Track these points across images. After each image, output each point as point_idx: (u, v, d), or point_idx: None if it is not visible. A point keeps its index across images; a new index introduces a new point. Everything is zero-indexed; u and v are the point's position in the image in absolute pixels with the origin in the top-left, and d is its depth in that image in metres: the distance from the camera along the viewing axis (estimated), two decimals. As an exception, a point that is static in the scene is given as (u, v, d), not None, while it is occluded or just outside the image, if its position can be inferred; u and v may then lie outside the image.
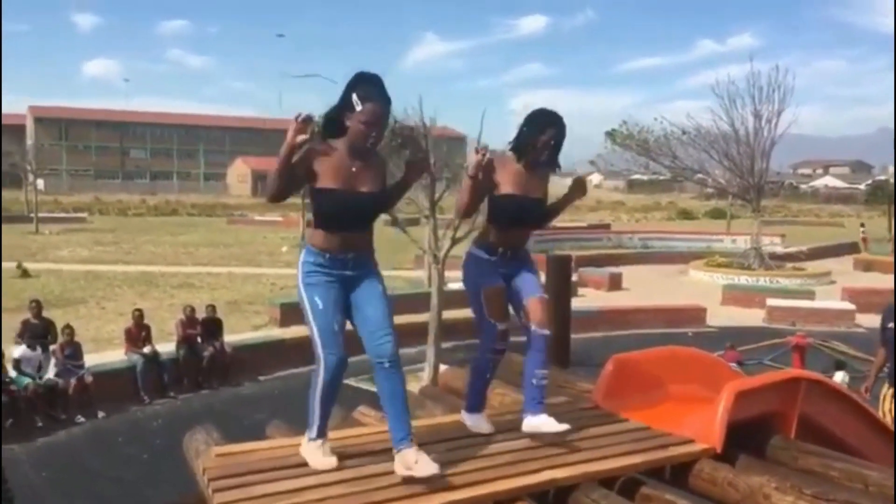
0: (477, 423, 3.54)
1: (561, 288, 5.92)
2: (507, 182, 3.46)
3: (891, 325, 5.44)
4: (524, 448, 3.25)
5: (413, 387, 6.73)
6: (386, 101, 3.05)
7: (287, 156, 2.89)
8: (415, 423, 3.74)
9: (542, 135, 3.44)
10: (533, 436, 3.38)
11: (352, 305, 3.16)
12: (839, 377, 9.09)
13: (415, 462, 2.87)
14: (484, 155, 3.30)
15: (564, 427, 3.32)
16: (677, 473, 3.30)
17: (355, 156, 3.03)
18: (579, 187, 3.68)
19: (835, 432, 3.75)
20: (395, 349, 3.12)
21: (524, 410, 3.47)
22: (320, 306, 3.05)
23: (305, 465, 3.05)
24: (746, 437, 3.49)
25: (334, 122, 3.05)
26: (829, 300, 18.14)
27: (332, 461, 3.06)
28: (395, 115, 11.74)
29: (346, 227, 3.06)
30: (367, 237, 3.18)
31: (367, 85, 3.02)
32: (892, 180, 45.81)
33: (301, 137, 2.85)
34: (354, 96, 2.98)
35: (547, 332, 3.49)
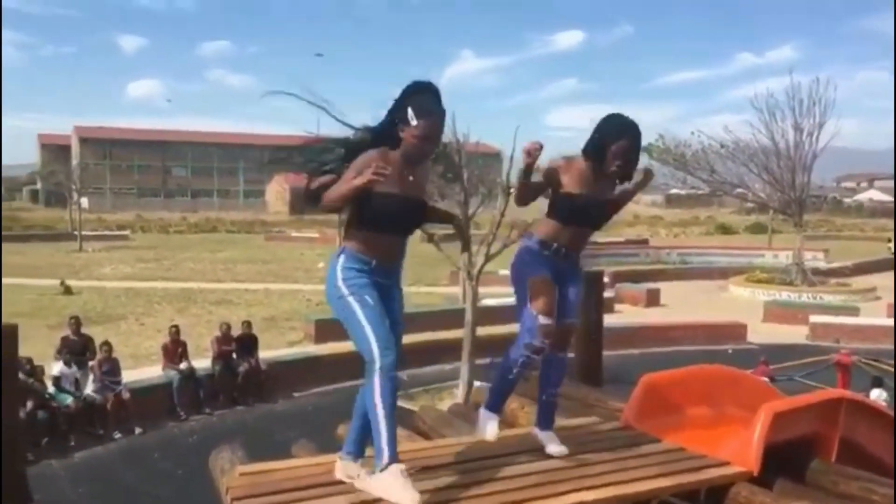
0: (484, 424, 3.39)
1: (593, 305, 5.79)
2: (572, 182, 3.40)
3: None
4: (552, 469, 3.17)
5: (447, 404, 6.69)
6: (441, 113, 3.02)
7: (353, 193, 2.87)
8: (443, 441, 3.71)
9: (615, 143, 3.35)
10: (560, 456, 3.30)
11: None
12: (876, 394, 8.82)
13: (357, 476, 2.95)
14: (537, 148, 3.23)
15: (562, 450, 3.34)
16: (713, 497, 3.19)
17: (410, 165, 3.01)
18: (647, 176, 3.68)
19: (878, 455, 3.60)
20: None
21: (536, 423, 3.53)
22: (371, 304, 2.94)
23: (325, 484, 3.00)
24: (785, 461, 3.37)
25: (389, 134, 3.01)
26: (875, 317, 17.69)
27: (417, 497, 2.69)
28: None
29: (397, 230, 3.03)
30: (405, 246, 3.16)
31: (423, 98, 2.98)
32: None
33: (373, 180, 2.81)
34: (410, 111, 2.94)
35: (564, 355, 3.51)
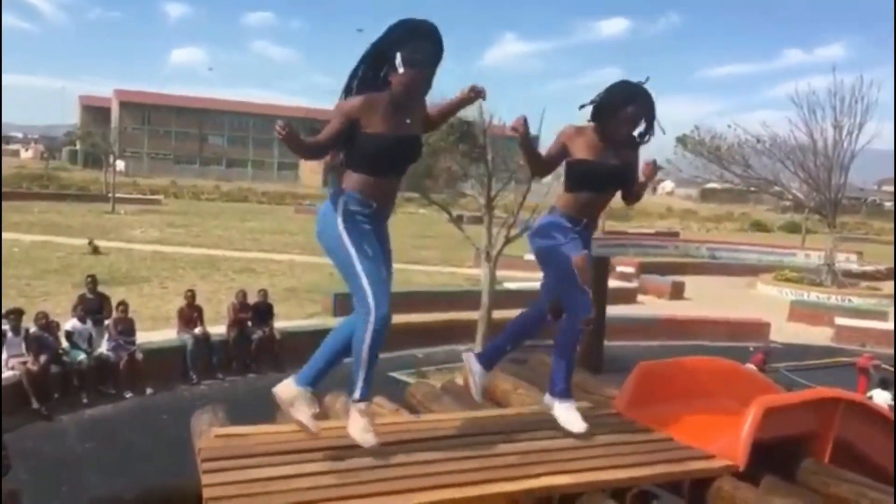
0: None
1: (596, 291, 5.67)
2: (581, 149, 3.39)
3: None
4: (531, 451, 3.09)
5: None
6: (434, 62, 2.95)
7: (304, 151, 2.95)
8: (427, 416, 3.67)
9: (623, 109, 3.32)
10: (543, 439, 3.23)
11: None
12: (881, 397, 8.60)
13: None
14: (521, 123, 3.27)
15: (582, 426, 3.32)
16: (696, 490, 3.11)
17: (400, 108, 2.97)
18: (652, 170, 3.62)
19: (875, 459, 3.48)
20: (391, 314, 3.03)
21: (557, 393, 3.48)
22: (370, 254, 2.95)
23: (302, 451, 2.96)
24: (777, 458, 3.27)
25: (377, 76, 2.95)
26: (904, 323, 17.30)
27: (372, 438, 2.88)
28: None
29: (392, 170, 3.00)
30: (398, 185, 3.15)
31: (415, 45, 2.90)
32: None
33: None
34: (399, 57, 2.89)
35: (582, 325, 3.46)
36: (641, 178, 3.61)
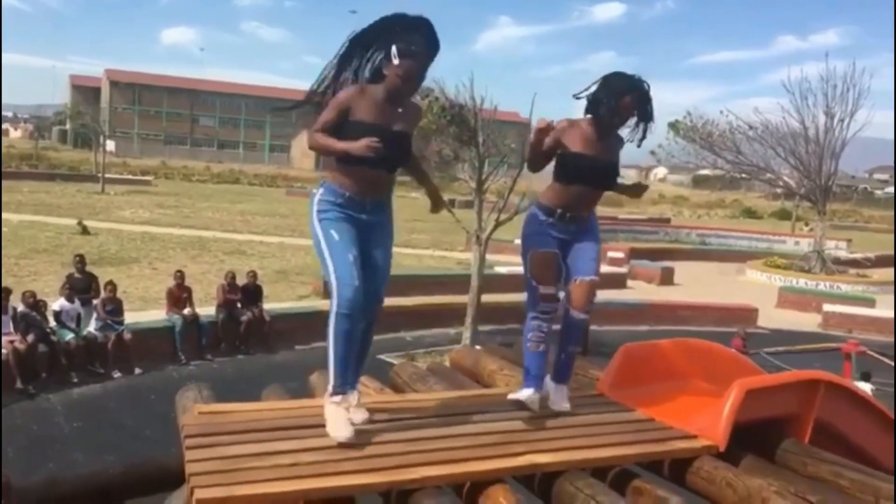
0: (533, 399, 3.33)
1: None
2: (576, 142, 3.38)
3: None
4: (514, 430, 3.11)
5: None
6: (429, 54, 2.96)
7: (337, 154, 2.94)
8: (411, 395, 3.68)
9: (620, 100, 3.32)
10: (526, 419, 3.25)
11: (365, 251, 3.08)
12: (862, 388, 8.67)
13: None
14: (548, 125, 3.27)
15: (565, 407, 3.39)
16: (676, 469, 3.14)
17: (395, 101, 2.99)
18: (636, 191, 3.64)
19: (854, 440, 3.52)
20: (381, 304, 3.13)
21: (551, 376, 3.48)
22: (336, 238, 2.97)
23: (285, 429, 2.97)
24: (758, 438, 3.30)
25: (373, 67, 3.01)
26: (890, 309, 17.41)
27: (344, 434, 2.83)
28: (447, 92, 11.64)
29: (375, 164, 2.97)
30: (390, 181, 3.13)
31: (411, 38, 2.92)
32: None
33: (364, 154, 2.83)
34: (394, 49, 2.91)
35: (584, 316, 3.47)
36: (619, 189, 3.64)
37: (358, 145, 2.82)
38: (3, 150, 48.43)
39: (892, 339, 14.37)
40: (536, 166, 3.54)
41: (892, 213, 59.93)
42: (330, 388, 2.97)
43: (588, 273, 3.45)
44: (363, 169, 2.96)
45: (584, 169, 3.38)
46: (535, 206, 3.49)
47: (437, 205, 3.36)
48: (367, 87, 2.98)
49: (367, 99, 2.95)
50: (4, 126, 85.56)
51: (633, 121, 3.43)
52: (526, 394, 3.34)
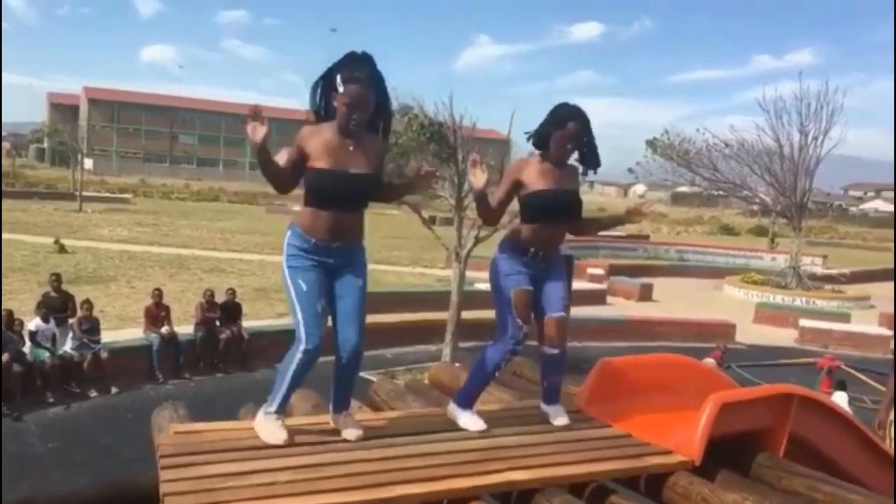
0: (472, 420, 3.39)
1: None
2: (534, 180, 3.39)
3: None
4: (491, 447, 3.12)
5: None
6: (369, 82, 3.01)
7: (257, 152, 2.97)
8: (389, 413, 3.67)
9: (563, 127, 3.37)
10: (503, 436, 3.27)
11: (332, 294, 3.15)
12: (841, 398, 8.79)
13: (345, 427, 3.12)
14: (476, 161, 3.31)
15: (565, 421, 3.47)
16: (652, 485, 3.15)
17: (347, 136, 3.02)
18: (634, 216, 3.68)
19: (828, 454, 3.55)
20: (359, 346, 3.14)
21: (544, 399, 3.60)
22: (304, 289, 3.04)
23: (261, 448, 2.97)
24: (733, 453, 3.32)
25: (327, 107, 3.07)
26: (866, 325, 17.62)
27: (283, 436, 3.01)
28: (426, 111, 11.70)
29: (336, 207, 3.02)
30: (356, 223, 3.14)
31: (352, 66, 3.01)
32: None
33: (260, 133, 2.91)
34: (338, 78, 2.99)
35: (558, 351, 3.51)
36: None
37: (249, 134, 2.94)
38: (-21, 168, 47.97)
39: (869, 354, 14.55)
40: (490, 217, 3.53)
41: (869, 229, 60.65)
42: (272, 409, 3.10)
43: (559, 310, 3.50)
44: (328, 213, 3.01)
45: (549, 204, 3.39)
46: (508, 245, 3.49)
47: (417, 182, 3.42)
48: (322, 127, 3.05)
49: (321, 140, 3.01)
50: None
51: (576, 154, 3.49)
52: (479, 422, 3.38)
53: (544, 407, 3.58)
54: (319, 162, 2.98)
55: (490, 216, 3.52)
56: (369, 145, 3.09)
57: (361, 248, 3.22)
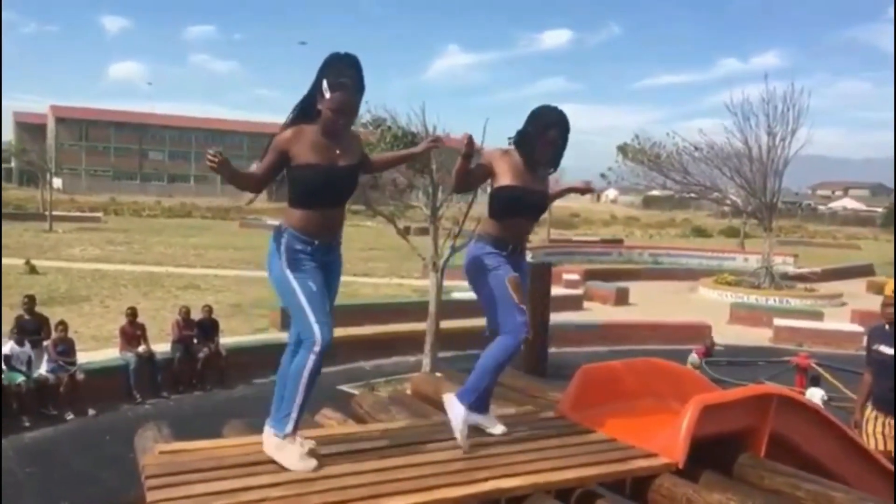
0: (488, 421, 3.42)
1: (540, 296, 5.78)
2: (506, 174, 3.45)
3: (875, 346, 5.27)
4: (477, 456, 3.15)
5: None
6: (356, 88, 3.03)
7: (223, 177, 2.97)
8: (374, 426, 3.68)
9: (545, 134, 3.43)
10: (489, 444, 3.29)
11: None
12: (815, 395, 8.92)
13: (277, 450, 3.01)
14: (469, 138, 3.32)
15: (500, 429, 3.46)
16: (638, 488, 3.19)
17: (332, 138, 3.05)
18: (585, 188, 3.87)
19: (808, 451, 3.61)
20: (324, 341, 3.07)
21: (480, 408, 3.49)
22: (314, 289, 3.03)
23: (248, 465, 2.96)
24: (715, 454, 3.37)
25: (310, 107, 3.06)
26: (838, 322, 17.86)
27: (312, 463, 2.92)
28: (399, 122, 11.72)
29: (326, 202, 3.05)
30: (342, 215, 3.20)
31: (339, 71, 3.01)
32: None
33: (219, 166, 2.86)
34: (325, 83, 3.00)
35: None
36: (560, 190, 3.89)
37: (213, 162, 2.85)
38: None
39: (842, 351, 14.76)
40: (461, 185, 3.53)
41: (838, 227, 61.54)
42: (290, 429, 3.01)
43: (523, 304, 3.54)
44: (323, 211, 3.03)
45: (518, 201, 3.46)
46: (485, 240, 3.52)
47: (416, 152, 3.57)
48: (303, 128, 3.04)
49: (305, 140, 3.02)
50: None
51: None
52: (500, 425, 3.40)
53: (479, 417, 3.46)
54: (308, 159, 2.99)
55: (461, 184, 3.50)
56: (351, 140, 3.18)
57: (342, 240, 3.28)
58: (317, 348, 2.98)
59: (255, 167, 3.12)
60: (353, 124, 3.14)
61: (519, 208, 3.48)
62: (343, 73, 2.99)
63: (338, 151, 3.05)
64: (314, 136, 3.03)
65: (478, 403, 3.45)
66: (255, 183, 3.06)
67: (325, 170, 3.00)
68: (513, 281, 3.43)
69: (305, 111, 3.06)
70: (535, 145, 3.43)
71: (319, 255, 3.08)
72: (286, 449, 2.97)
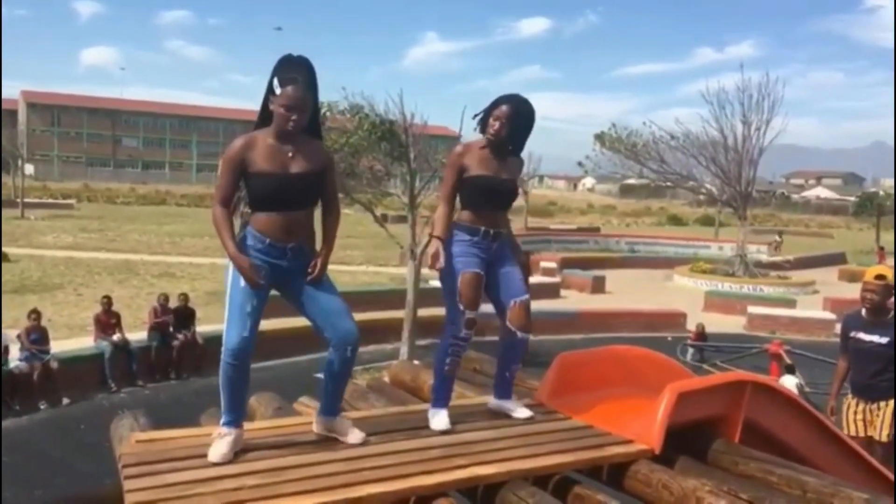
0: (441, 420, 3.38)
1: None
2: (474, 164, 3.47)
3: (852, 334, 5.32)
4: (455, 444, 3.15)
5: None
6: (307, 84, 3.00)
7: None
8: (352, 414, 3.68)
9: (496, 107, 3.45)
10: (466, 431, 3.30)
11: (300, 298, 3.14)
12: (789, 382, 9.05)
13: (347, 430, 3.10)
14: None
15: (528, 413, 3.50)
16: (614, 474, 3.21)
17: (285, 140, 3.00)
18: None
19: (782, 438, 3.66)
20: (358, 335, 3.13)
21: (495, 395, 3.63)
22: (241, 284, 3.00)
23: (225, 453, 2.95)
24: (690, 440, 3.41)
25: (265, 111, 3.04)
26: (811, 310, 18.11)
27: (227, 457, 2.91)
28: (377, 109, 11.68)
29: (283, 208, 3.01)
30: (307, 222, 3.12)
31: (289, 68, 3.00)
32: (881, 192, 45.76)
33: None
34: (275, 80, 2.98)
35: (527, 334, 3.54)
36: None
37: (243, 267, 2.92)
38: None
39: (814, 338, 14.97)
40: (454, 202, 3.57)
41: (812, 216, 62.26)
42: (221, 419, 3.07)
43: (522, 293, 3.54)
44: (280, 213, 3.01)
45: (485, 189, 3.47)
46: (457, 227, 3.51)
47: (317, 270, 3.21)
48: (254, 136, 3.01)
49: (257, 147, 2.98)
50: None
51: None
52: (443, 420, 3.37)
53: (502, 403, 3.59)
54: (260, 167, 2.96)
55: (450, 212, 3.54)
56: (309, 147, 3.06)
57: (314, 250, 3.20)
58: (222, 353, 3.03)
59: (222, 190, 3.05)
60: (304, 123, 3.01)
61: (485, 197, 3.49)
62: (293, 70, 2.98)
63: (290, 155, 2.99)
64: (266, 141, 2.99)
65: (500, 391, 3.61)
66: (226, 205, 3.04)
67: (277, 177, 2.95)
68: (467, 277, 3.41)
69: (263, 119, 3.04)
70: (487, 121, 3.46)
71: (272, 256, 3.03)
72: (215, 446, 2.95)
